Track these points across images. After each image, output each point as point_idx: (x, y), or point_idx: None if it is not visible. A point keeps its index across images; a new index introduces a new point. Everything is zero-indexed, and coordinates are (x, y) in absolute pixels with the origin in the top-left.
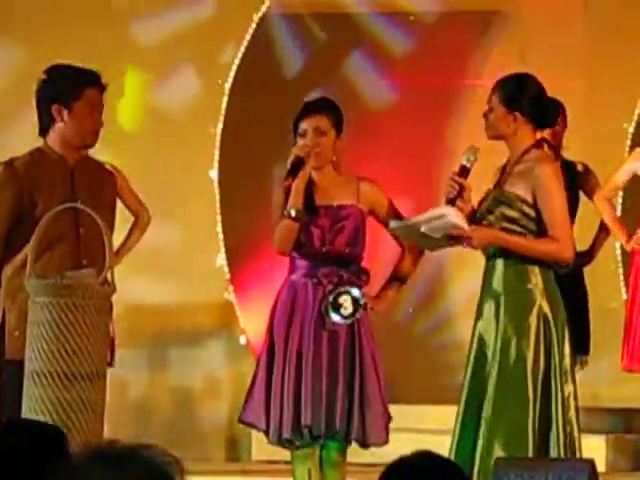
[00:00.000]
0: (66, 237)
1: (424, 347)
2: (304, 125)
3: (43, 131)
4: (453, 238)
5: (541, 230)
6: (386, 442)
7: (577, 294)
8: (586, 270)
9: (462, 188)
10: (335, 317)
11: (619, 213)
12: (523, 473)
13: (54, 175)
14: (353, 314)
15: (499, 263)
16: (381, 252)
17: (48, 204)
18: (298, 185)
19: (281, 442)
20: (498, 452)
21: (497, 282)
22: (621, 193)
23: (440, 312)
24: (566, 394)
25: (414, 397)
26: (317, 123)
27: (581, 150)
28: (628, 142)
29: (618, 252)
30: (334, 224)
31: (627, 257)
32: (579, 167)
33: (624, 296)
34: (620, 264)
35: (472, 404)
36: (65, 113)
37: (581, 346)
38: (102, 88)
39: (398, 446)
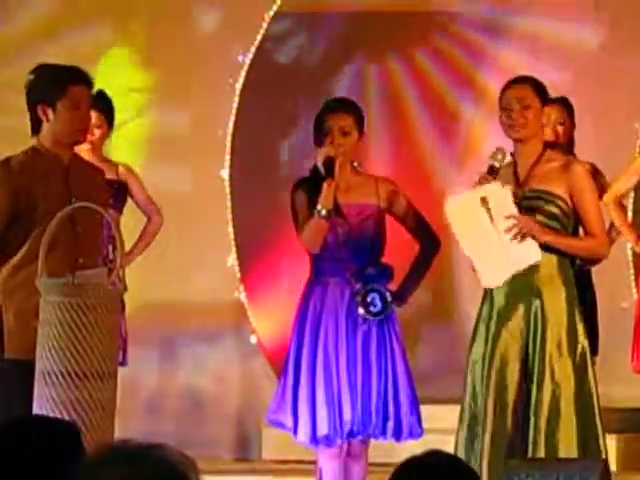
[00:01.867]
0: (63, 236)
1: (432, 345)
2: (329, 123)
3: (35, 130)
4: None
5: (576, 227)
6: (421, 435)
7: (585, 295)
8: (597, 270)
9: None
10: (365, 314)
11: (630, 214)
12: (535, 473)
13: (50, 173)
14: (382, 311)
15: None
16: (398, 249)
17: (45, 202)
18: (331, 185)
19: (316, 439)
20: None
21: (532, 279)
22: (632, 193)
23: (449, 310)
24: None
25: (425, 397)
26: (341, 122)
27: (591, 150)
28: (639, 142)
29: (629, 252)
30: (357, 223)
31: (638, 258)
32: (588, 167)
33: (635, 296)
34: (631, 264)
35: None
36: (50, 112)
37: (590, 347)
38: (88, 84)
39: (409, 446)
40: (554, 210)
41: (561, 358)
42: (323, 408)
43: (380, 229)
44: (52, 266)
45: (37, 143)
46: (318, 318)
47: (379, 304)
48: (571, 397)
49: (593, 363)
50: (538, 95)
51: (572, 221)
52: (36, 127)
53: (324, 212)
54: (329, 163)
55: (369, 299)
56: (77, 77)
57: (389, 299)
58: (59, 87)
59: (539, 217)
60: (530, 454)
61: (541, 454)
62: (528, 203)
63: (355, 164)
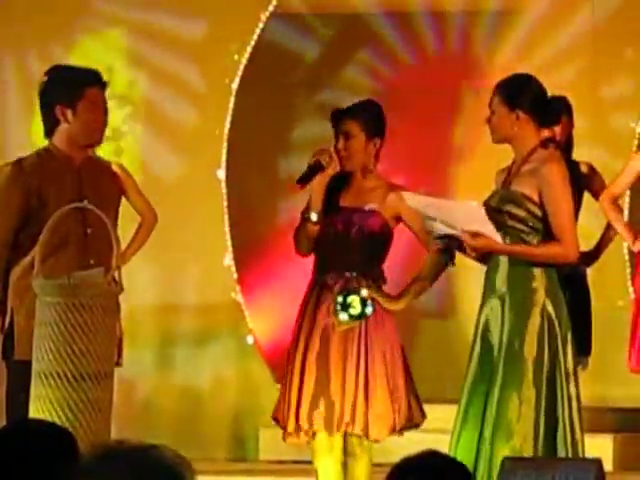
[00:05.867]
0: (74, 237)
1: (428, 345)
2: (336, 129)
3: (48, 132)
4: (449, 237)
5: (547, 229)
6: (386, 437)
7: (579, 295)
8: (594, 269)
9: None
10: (344, 317)
11: (626, 213)
12: (531, 473)
13: (62, 175)
14: (361, 314)
15: (503, 262)
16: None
17: (57, 204)
18: (317, 189)
19: (299, 432)
20: (504, 452)
21: (501, 281)
22: (628, 192)
23: (447, 309)
24: (571, 395)
25: (422, 396)
26: (345, 127)
27: (588, 149)
28: (635, 141)
29: (625, 251)
30: (351, 227)
31: (634, 257)
32: (583, 167)
33: (632, 295)
34: (628, 263)
35: (475, 402)
36: (69, 113)
37: (582, 347)
38: (103, 86)
39: (405, 446)
40: (522, 214)
41: (520, 357)
42: (301, 405)
43: (382, 236)
44: (64, 267)
45: (50, 144)
46: (314, 319)
47: (358, 307)
48: (527, 398)
49: (586, 363)
50: (504, 99)
51: (542, 223)
52: (50, 128)
53: (314, 217)
54: (314, 167)
55: (349, 301)
56: (95, 79)
57: (369, 302)
58: (79, 88)
59: (509, 221)
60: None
61: (515, 453)
62: (495, 204)
63: (370, 167)
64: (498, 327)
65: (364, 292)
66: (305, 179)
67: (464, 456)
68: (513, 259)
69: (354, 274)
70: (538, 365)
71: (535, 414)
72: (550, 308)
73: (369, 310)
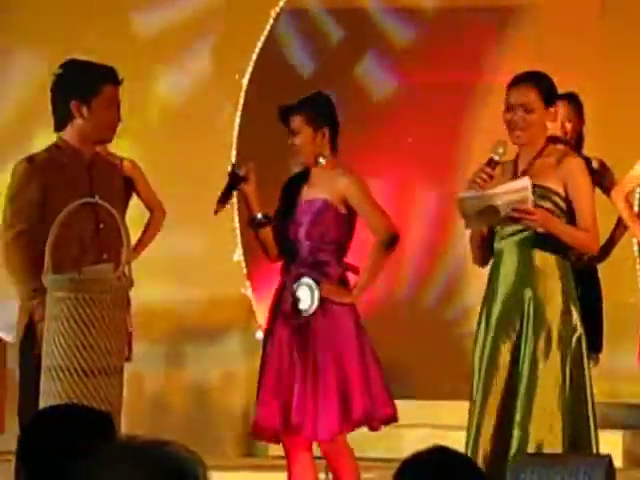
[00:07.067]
0: (86, 232)
1: (439, 342)
2: (286, 126)
3: (60, 126)
4: (513, 217)
5: (569, 222)
6: (331, 439)
7: (591, 291)
8: (604, 265)
9: (491, 179)
10: (295, 312)
11: (636, 209)
12: (540, 469)
13: (73, 170)
14: (310, 307)
15: (513, 256)
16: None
17: (70, 199)
18: (249, 198)
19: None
20: (539, 436)
21: (518, 274)
22: (639, 189)
23: (458, 307)
24: (587, 389)
25: (430, 392)
26: (292, 124)
27: (598, 147)
28: None
29: (636, 248)
30: (309, 220)
31: None
32: (595, 163)
33: None
34: (638, 259)
35: (490, 398)
36: (84, 109)
37: (593, 344)
38: (118, 84)
39: (414, 442)
40: (549, 205)
41: (551, 351)
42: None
43: (335, 225)
44: (78, 262)
45: (59, 140)
46: (276, 316)
47: (307, 300)
48: (559, 390)
49: (597, 360)
50: (542, 96)
51: (567, 216)
52: (62, 123)
53: (260, 216)
54: (228, 186)
55: (299, 294)
56: (112, 76)
57: (316, 295)
58: (96, 85)
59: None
60: (515, 449)
61: (529, 449)
62: None
63: (321, 160)
64: (517, 319)
65: (312, 284)
66: (224, 200)
67: (479, 452)
68: (540, 253)
69: (302, 270)
70: (563, 358)
71: (562, 412)
72: (571, 303)
73: (315, 302)
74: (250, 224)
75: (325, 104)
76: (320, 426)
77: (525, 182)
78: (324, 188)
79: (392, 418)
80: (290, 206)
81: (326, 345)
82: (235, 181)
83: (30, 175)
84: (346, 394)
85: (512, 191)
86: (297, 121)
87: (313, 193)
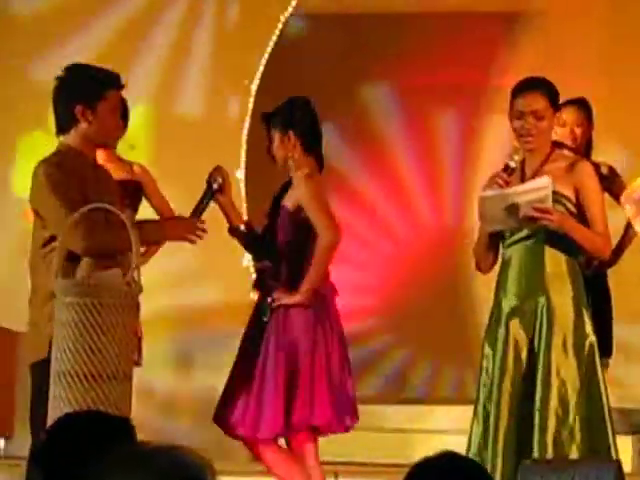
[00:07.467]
0: None
1: (445, 346)
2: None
3: (63, 130)
4: (533, 216)
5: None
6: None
7: (600, 296)
8: (614, 271)
9: (507, 185)
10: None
11: None
12: (549, 474)
13: (82, 172)
14: (265, 314)
15: (537, 259)
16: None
17: (92, 199)
18: (226, 208)
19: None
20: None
21: (534, 279)
22: None
23: (465, 311)
24: (602, 391)
25: (438, 397)
26: (270, 133)
27: (606, 150)
28: None
29: None
30: (279, 228)
31: None
32: (604, 169)
33: None
34: None
35: (503, 404)
36: (89, 114)
37: (604, 349)
38: (121, 89)
39: (423, 447)
40: (561, 210)
41: (567, 358)
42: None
43: (296, 232)
44: (91, 267)
45: (61, 145)
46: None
47: (267, 312)
48: (576, 396)
49: (606, 364)
50: (551, 102)
51: (578, 221)
52: (66, 127)
53: (242, 227)
54: (203, 198)
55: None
56: (117, 81)
57: (267, 300)
58: (101, 90)
59: None
60: (537, 454)
61: (548, 454)
62: None
63: (290, 162)
64: (530, 326)
65: (267, 290)
66: (200, 212)
67: (485, 457)
68: (535, 258)
69: (269, 277)
70: (579, 365)
71: (580, 409)
72: (583, 304)
73: (266, 308)
74: (231, 234)
75: (291, 108)
76: (262, 424)
77: (545, 181)
78: (291, 193)
79: (327, 426)
80: (274, 213)
81: (279, 345)
82: (209, 193)
83: (62, 170)
84: (291, 396)
85: (533, 190)
86: (273, 129)
87: (287, 198)
